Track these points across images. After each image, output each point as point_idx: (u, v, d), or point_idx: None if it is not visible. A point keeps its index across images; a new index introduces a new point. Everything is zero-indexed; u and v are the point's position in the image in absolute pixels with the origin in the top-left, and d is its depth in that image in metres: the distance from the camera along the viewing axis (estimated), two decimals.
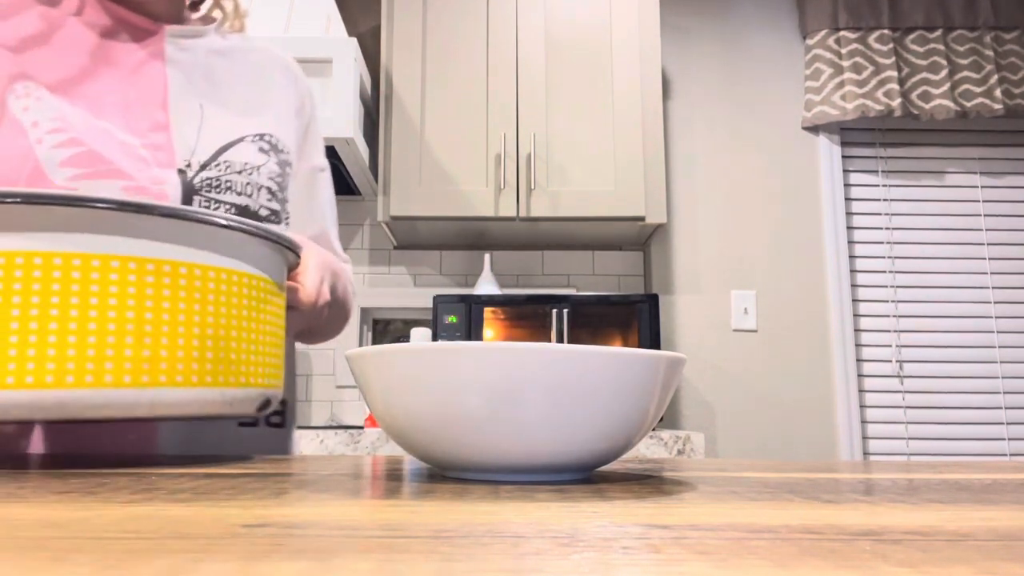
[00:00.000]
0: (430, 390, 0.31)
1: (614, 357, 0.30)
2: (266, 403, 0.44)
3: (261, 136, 0.70)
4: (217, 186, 0.64)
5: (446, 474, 0.35)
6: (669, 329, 2.24)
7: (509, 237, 2.20)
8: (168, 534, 0.18)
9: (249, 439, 0.67)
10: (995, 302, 2.27)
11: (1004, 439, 2.20)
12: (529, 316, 1.91)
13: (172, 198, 0.61)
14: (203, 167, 0.64)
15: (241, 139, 0.67)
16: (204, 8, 0.77)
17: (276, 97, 0.74)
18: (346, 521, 0.21)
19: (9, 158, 0.56)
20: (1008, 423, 2.21)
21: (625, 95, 2.02)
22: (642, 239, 2.23)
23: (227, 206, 0.64)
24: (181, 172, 0.62)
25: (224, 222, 0.41)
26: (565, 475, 0.34)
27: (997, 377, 2.23)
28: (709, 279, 2.27)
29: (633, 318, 1.90)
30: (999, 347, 2.25)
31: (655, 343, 1.89)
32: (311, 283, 0.57)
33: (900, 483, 0.35)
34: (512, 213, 1.96)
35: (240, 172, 0.65)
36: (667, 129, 2.35)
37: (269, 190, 0.68)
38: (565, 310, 1.90)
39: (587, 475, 0.36)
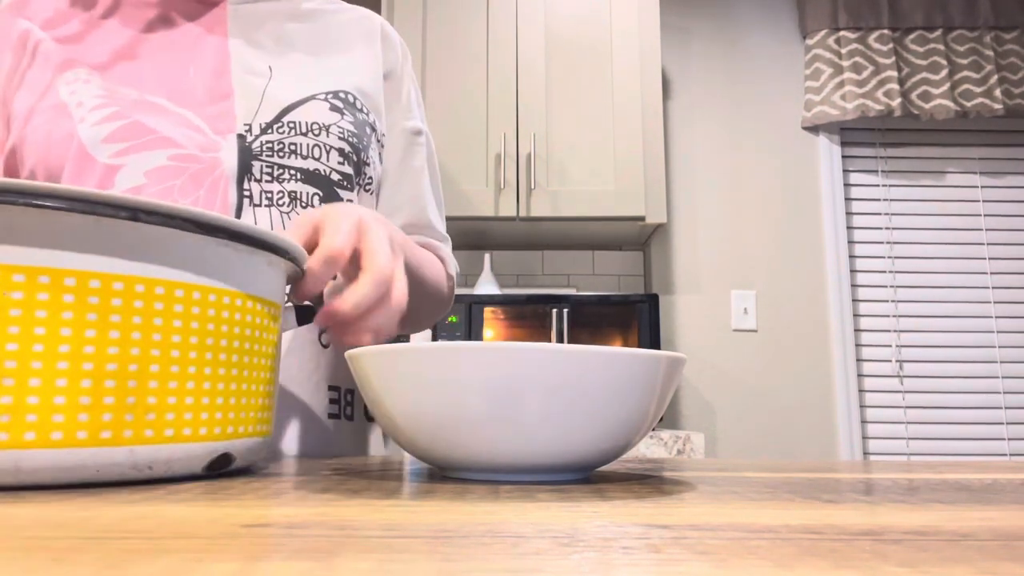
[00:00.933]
0: (430, 390, 0.31)
1: (614, 357, 0.30)
2: (222, 460, 0.33)
3: (335, 93, 0.64)
4: (280, 150, 0.59)
5: (446, 474, 0.35)
6: (669, 329, 2.24)
7: (509, 237, 2.20)
8: (168, 534, 0.18)
9: (336, 433, 0.63)
10: (995, 302, 2.27)
11: (1004, 439, 2.20)
12: (529, 316, 1.91)
13: (226, 165, 0.57)
14: (264, 130, 0.59)
15: (312, 97, 0.62)
16: None
17: (360, 57, 0.69)
18: (346, 521, 0.21)
19: (56, 142, 0.55)
20: (1008, 423, 2.21)
21: (625, 95, 2.02)
22: (642, 239, 2.23)
23: (291, 171, 0.59)
24: (241, 137, 0.58)
25: (121, 201, 0.29)
26: (565, 475, 0.34)
27: (997, 377, 2.23)
28: (709, 279, 2.27)
29: (633, 318, 1.90)
30: (999, 347, 2.25)
31: (655, 343, 1.89)
32: (330, 248, 0.42)
33: (900, 483, 0.35)
34: (512, 213, 1.96)
35: (306, 133, 0.60)
36: (667, 129, 2.35)
37: (341, 152, 0.62)
38: (565, 310, 1.90)
39: (587, 475, 0.36)
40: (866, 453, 2.20)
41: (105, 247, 0.29)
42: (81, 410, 0.28)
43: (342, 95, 0.64)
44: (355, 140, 0.64)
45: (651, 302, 1.91)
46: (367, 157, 0.65)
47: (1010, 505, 0.26)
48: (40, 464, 0.27)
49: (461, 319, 1.91)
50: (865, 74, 2.27)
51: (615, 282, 2.29)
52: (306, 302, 0.45)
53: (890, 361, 2.24)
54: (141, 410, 0.30)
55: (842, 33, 2.31)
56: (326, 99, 0.63)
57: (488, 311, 1.92)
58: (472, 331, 1.91)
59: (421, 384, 0.31)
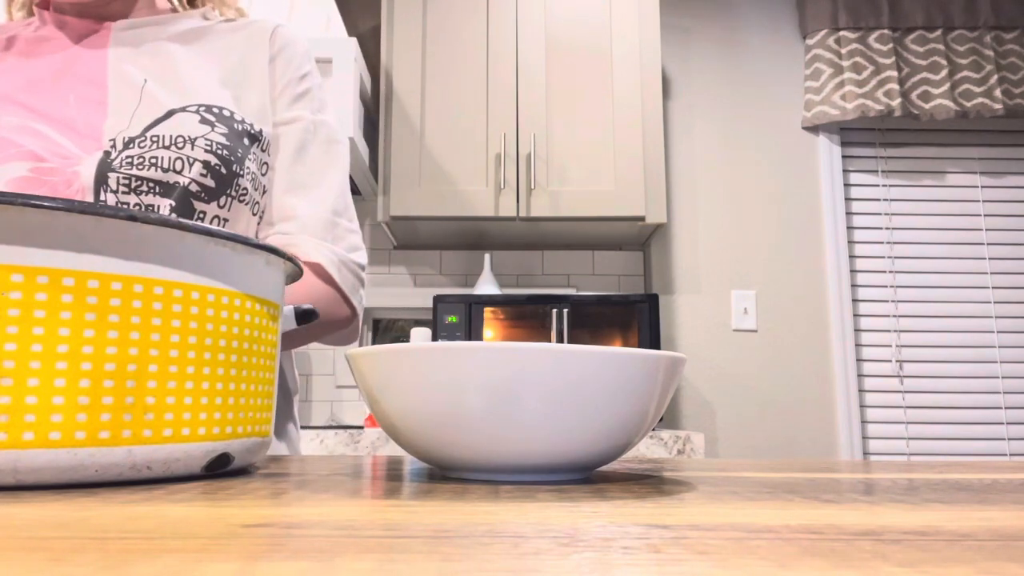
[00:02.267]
0: (430, 390, 0.31)
1: (614, 357, 0.30)
2: (221, 460, 0.33)
3: (208, 107, 0.64)
4: (140, 163, 0.60)
5: (446, 474, 0.35)
6: (669, 329, 2.24)
7: (509, 237, 2.20)
8: (168, 534, 0.18)
9: None
10: (995, 302, 2.27)
11: (1004, 439, 2.20)
12: (529, 316, 1.91)
13: (84, 177, 0.58)
14: (128, 144, 0.60)
15: (182, 109, 0.63)
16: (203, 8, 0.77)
17: (244, 68, 0.70)
18: (346, 521, 0.21)
19: None
20: (1008, 423, 2.21)
21: (625, 95, 2.02)
22: (642, 239, 2.23)
23: (148, 183, 0.60)
24: (107, 152, 0.60)
25: (132, 213, 0.30)
26: (565, 475, 0.34)
27: (997, 377, 2.23)
28: (709, 279, 2.27)
29: (633, 318, 1.90)
30: (999, 347, 2.25)
31: (655, 343, 1.89)
32: None
33: (900, 483, 0.35)
34: (512, 213, 1.96)
35: (169, 147, 0.61)
36: (667, 129, 2.35)
37: (206, 164, 0.62)
38: (565, 310, 1.90)
39: (587, 475, 0.36)
40: (866, 453, 2.20)
41: (104, 247, 0.29)
42: (80, 410, 0.28)
43: (215, 109, 0.65)
44: (225, 152, 0.64)
45: (651, 302, 1.91)
46: (240, 168, 0.65)
47: (1010, 505, 0.26)
48: (38, 464, 0.27)
49: (461, 319, 1.91)
50: (865, 74, 2.27)
51: (615, 282, 2.29)
52: (306, 305, 0.45)
53: (890, 361, 2.24)
54: (140, 410, 0.30)
55: (842, 33, 2.31)
56: (197, 111, 0.64)
57: (488, 311, 1.92)
58: (472, 331, 1.91)
59: (421, 384, 0.31)
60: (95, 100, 0.63)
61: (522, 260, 2.29)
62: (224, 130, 0.64)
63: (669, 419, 2.20)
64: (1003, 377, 2.23)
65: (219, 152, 0.63)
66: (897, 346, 2.25)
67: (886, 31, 2.30)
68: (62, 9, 0.68)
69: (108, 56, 0.66)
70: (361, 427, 1.96)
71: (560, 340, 1.90)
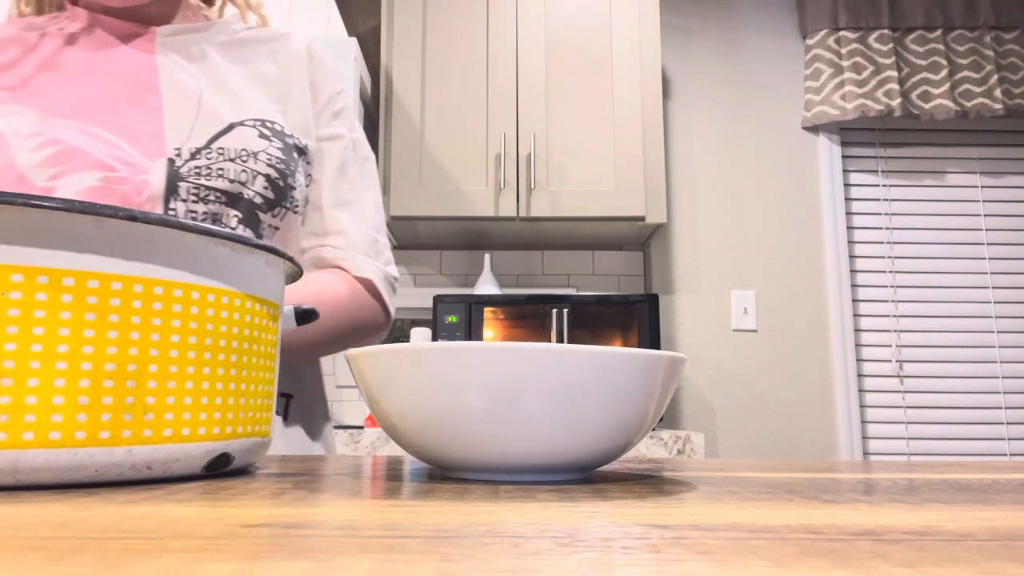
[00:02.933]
0: (430, 390, 0.31)
1: (614, 357, 0.30)
2: (221, 460, 0.33)
3: (263, 122, 0.67)
4: (208, 173, 0.62)
5: (446, 474, 0.35)
6: (669, 329, 2.24)
7: (509, 237, 2.20)
8: (168, 534, 0.18)
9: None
10: (995, 302, 2.27)
11: (1004, 439, 2.20)
12: (529, 316, 1.91)
13: (154, 186, 0.60)
14: (194, 155, 0.62)
15: (240, 123, 0.66)
16: (216, 5, 0.78)
17: (288, 83, 0.72)
18: (346, 521, 0.21)
19: None
20: (1008, 423, 2.21)
21: (625, 95, 2.02)
22: (642, 239, 2.23)
23: (216, 193, 0.62)
24: (171, 161, 0.61)
25: (124, 212, 0.29)
26: (565, 475, 0.34)
27: (997, 377, 2.23)
28: (709, 279, 2.27)
29: (633, 318, 1.90)
30: (999, 347, 2.25)
31: (655, 343, 1.89)
32: None
33: (900, 483, 0.35)
34: (512, 213, 1.96)
35: (235, 159, 0.63)
36: (667, 129, 2.35)
37: (267, 177, 0.65)
38: (565, 310, 1.90)
39: (587, 475, 0.36)
40: (866, 453, 2.20)
41: (104, 247, 0.29)
42: (80, 410, 0.28)
43: (269, 124, 0.68)
44: (282, 166, 0.66)
45: (651, 302, 1.91)
46: (293, 181, 0.68)
47: (1010, 505, 0.26)
48: (38, 464, 0.27)
49: (461, 319, 1.91)
50: (865, 74, 2.27)
51: (615, 282, 2.29)
52: (306, 305, 0.45)
53: (890, 361, 2.24)
54: (139, 410, 0.29)
55: (842, 33, 2.31)
56: (254, 126, 0.66)
57: (488, 311, 1.92)
58: (472, 331, 1.91)
59: (421, 384, 0.31)
60: (150, 106, 0.64)
61: (522, 260, 2.29)
62: (280, 145, 0.67)
63: (669, 419, 2.20)
64: (1003, 377, 2.23)
65: (278, 166, 0.66)
66: (897, 346, 2.25)
67: (886, 31, 2.30)
68: (98, 8, 0.68)
69: (158, 62, 0.67)
70: (361, 427, 1.96)
71: (560, 340, 1.90)
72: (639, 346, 1.90)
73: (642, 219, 1.97)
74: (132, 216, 0.29)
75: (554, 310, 1.90)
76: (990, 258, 2.30)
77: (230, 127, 0.65)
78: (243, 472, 0.37)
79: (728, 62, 2.38)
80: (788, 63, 2.38)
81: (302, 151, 0.70)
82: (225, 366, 0.33)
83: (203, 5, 0.77)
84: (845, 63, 2.28)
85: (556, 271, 2.29)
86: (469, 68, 2.04)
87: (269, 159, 0.65)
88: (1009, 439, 2.20)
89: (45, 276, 0.28)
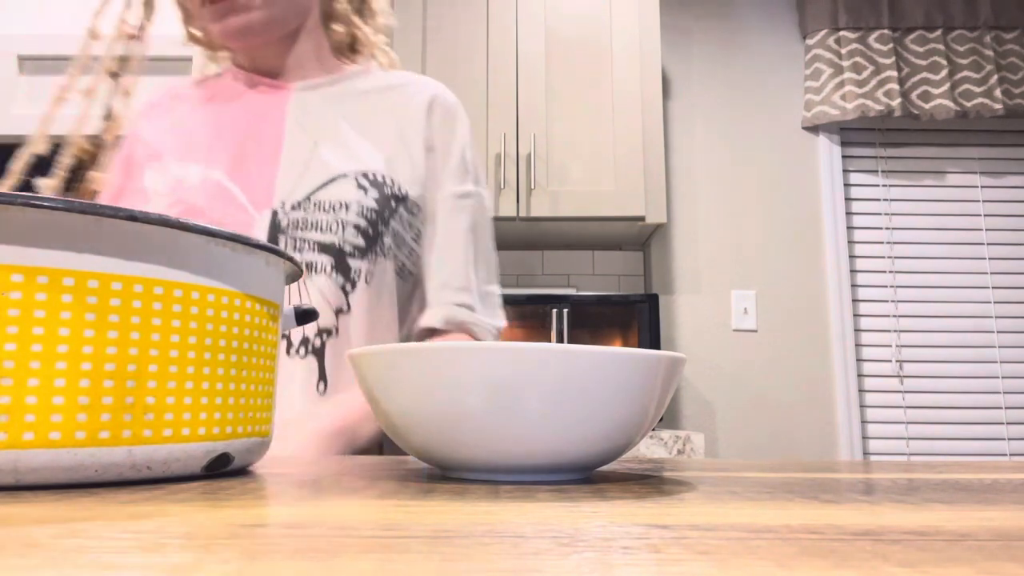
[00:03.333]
0: (430, 390, 0.31)
1: (614, 357, 0.30)
2: (221, 460, 0.33)
3: (364, 173, 0.72)
4: (304, 225, 0.68)
5: (446, 474, 0.35)
6: (669, 329, 2.24)
7: (509, 237, 2.20)
8: (168, 534, 0.18)
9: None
10: (995, 302, 2.27)
11: (1004, 439, 2.20)
12: (529, 316, 1.91)
13: (257, 237, 0.66)
14: (295, 207, 0.69)
15: (342, 175, 0.71)
16: (360, 57, 0.84)
17: (402, 132, 0.76)
18: (346, 521, 0.21)
19: None
20: (1008, 423, 2.21)
21: (625, 95, 2.02)
22: (642, 239, 2.23)
23: (311, 243, 0.68)
24: (275, 212, 0.68)
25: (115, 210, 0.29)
26: (565, 475, 0.34)
27: (997, 377, 2.23)
28: (709, 279, 2.27)
29: (633, 318, 1.90)
30: (999, 347, 2.25)
31: (655, 343, 1.89)
32: None
33: (900, 483, 0.35)
34: (512, 213, 1.96)
35: (328, 211, 0.69)
36: (667, 129, 2.35)
37: (357, 227, 0.70)
38: (565, 310, 1.90)
39: (587, 475, 0.36)
40: (866, 453, 2.20)
41: (104, 247, 0.29)
42: (80, 410, 0.28)
43: (370, 176, 0.72)
44: (374, 216, 0.71)
45: (651, 302, 1.91)
46: (385, 228, 0.72)
47: (1010, 505, 0.26)
48: (38, 464, 0.27)
49: None
50: (865, 74, 2.27)
51: (615, 282, 2.29)
52: (307, 305, 0.45)
53: (890, 361, 2.24)
54: (139, 410, 0.29)
55: (842, 33, 2.31)
56: (355, 178, 0.71)
57: None
58: None
59: (421, 384, 0.31)
60: (270, 158, 0.72)
61: (522, 260, 2.29)
62: (376, 195, 0.71)
63: (669, 419, 2.20)
64: (1003, 377, 2.23)
65: (369, 216, 0.71)
66: (897, 346, 2.25)
67: (886, 31, 2.30)
68: (250, 68, 0.78)
69: (287, 116, 0.75)
70: None
71: (560, 340, 1.90)
72: (639, 346, 1.90)
73: (642, 219, 1.97)
74: (132, 216, 0.29)
75: (554, 310, 1.90)
76: (990, 258, 2.30)
77: (332, 179, 0.70)
78: (243, 472, 0.37)
79: (728, 62, 2.38)
80: (788, 63, 2.38)
81: (401, 199, 0.73)
82: (225, 366, 0.33)
83: (342, 59, 0.84)
84: (845, 63, 2.28)
85: (556, 271, 2.29)
86: (469, 68, 2.04)
87: (361, 209, 0.70)
88: (1009, 439, 2.20)
89: (45, 276, 0.28)
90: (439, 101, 0.79)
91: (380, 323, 0.73)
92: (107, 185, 0.77)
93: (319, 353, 0.68)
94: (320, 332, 0.70)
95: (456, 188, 0.78)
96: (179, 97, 0.79)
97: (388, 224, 0.72)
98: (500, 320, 0.79)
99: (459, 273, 0.76)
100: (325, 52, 0.80)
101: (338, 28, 0.81)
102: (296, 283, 0.67)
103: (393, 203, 0.73)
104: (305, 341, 0.68)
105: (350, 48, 0.84)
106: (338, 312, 0.70)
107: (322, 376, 0.68)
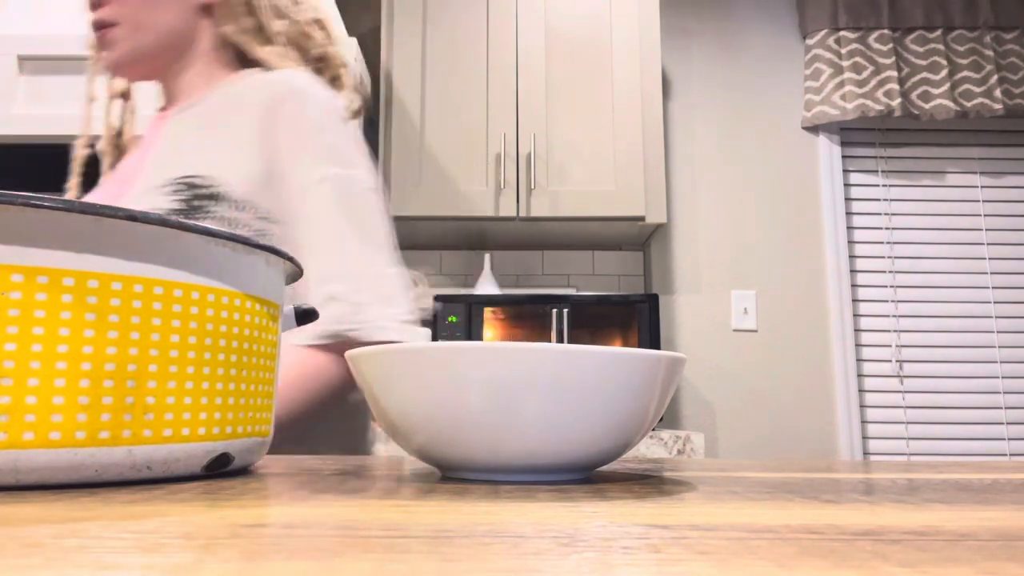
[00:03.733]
0: (430, 390, 0.31)
1: (614, 357, 0.30)
2: (221, 460, 0.33)
3: (177, 179, 0.70)
4: None
5: (446, 474, 0.35)
6: (669, 329, 2.24)
7: (509, 237, 2.20)
8: (168, 534, 0.18)
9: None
10: (995, 302, 2.27)
11: (1004, 439, 2.20)
12: (529, 316, 1.91)
13: None
14: None
15: (155, 187, 0.70)
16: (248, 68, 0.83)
17: (237, 132, 0.73)
18: (346, 521, 0.21)
19: None
20: (1008, 423, 2.21)
21: (625, 95, 2.02)
22: (642, 239, 2.23)
23: None
24: None
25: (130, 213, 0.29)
26: (565, 475, 0.34)
27: (997, 377, 2.23)
28: (709, 279, 2.27)
29: (633, 318, 1.90)
30: (999, 347, 2.25)
31: (655, 343, 1.89)
32: None
33: (900, 483, 0.35)
34: (512, 213, 1.96)
35: None
36: (667, 129, 2.35)
37: None
38: (565, 310, 1.90)
39: (587, 475, 0.36)
40: (866, 453, 2.20)
41: (104, 247, 0.29)
42: (79, 410, 0.28)
43: (184, 181, 0.70)
44: (178, 214, 0.68)
45: (651, 302, 1.91)
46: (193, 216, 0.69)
47: (1010, 505, 0.26)
48: (39, 464, 0.27)
49: (461, 319, 1.91)
50: (865, 74, 2.27)
51: (615, 282, 2.29)
52: (307, 304, 0.45)
53: (890, 361, 2.24)
54: (139, 410, 0.29)
55: (842, 33, 2.31)
56: (164, 186, 0.70)
57: (488, 311, 1.92)
58: (472, 331, 1.91)
59: (421, 384, 0.31)
60: (131, 185, 0.74)
61: (522, 260, 2.29)
62: (183, 196, 0.69)
63: (669, 419, 2.20)
64: (1003, 377, 2.23)
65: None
66: (897, 346, 2.25)
67: (886, 31, 2.29)
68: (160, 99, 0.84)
69: (154, 149, 0.76)
70: None
71: (560, 340, 1.90)
72: (639, 346, 1.90)
73: (642, 219, 1.97)
74: (132, 216, 0.29)
75: (554, 310, 1.90)
76: (990, 258, 2.30)
77: (145, 193, 0.71)
78: (243, 472, 0.37)
79: (728, 62, 2.38)
80: (788, 63, 2.38)
81: (213, 197, 0.69)
82: (225, 366, 0.33)
83: (233, 71, 0.83)
84: (845, 63, 2.28)
85: (556, 271, 2.29)
86: (469, 68, 2.04)
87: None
88: (1009, 439, 2.20)
89: (45, 276, 0.28)
90: (288, 93, 0.73)
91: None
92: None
93: None
94: None
95: (310, 175, 0.71)
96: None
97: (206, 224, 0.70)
98: (401, 307, 0.69)
99: (326, 261, 0.68)
100: (222, 72, 0.80)
101: (236, 46, 0.81)
102: None
103: (197, 202, 0.68)
104: None
105: (257, 64, 0.82)
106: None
107: None
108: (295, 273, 0.41)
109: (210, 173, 0.70)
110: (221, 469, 0.34)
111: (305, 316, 0.45)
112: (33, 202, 0.27)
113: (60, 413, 0.28)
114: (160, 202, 0.69)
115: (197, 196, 0.69)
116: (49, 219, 0.28)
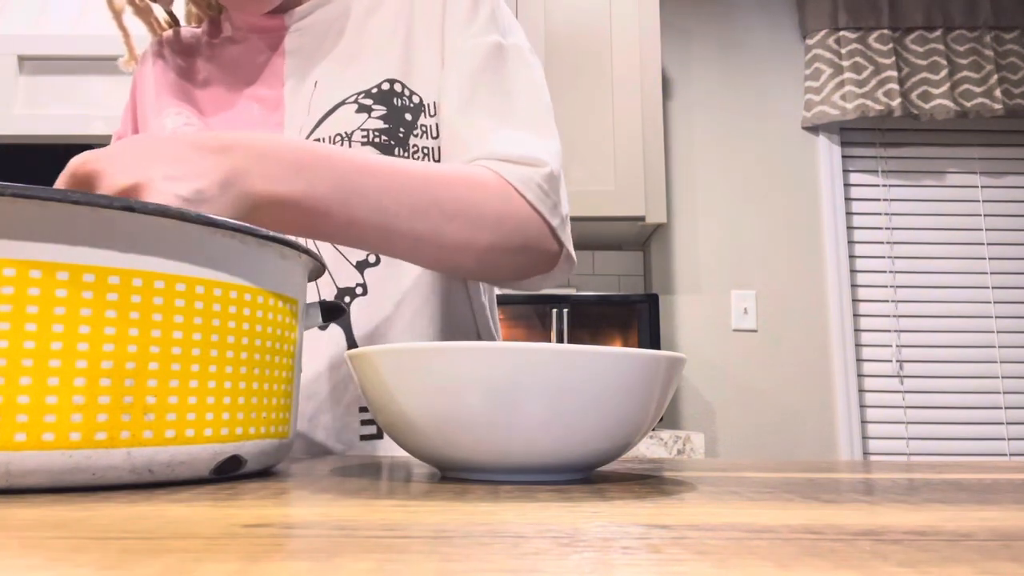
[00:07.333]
0: (430, 390, 0.31)
1: (614, 357, 0.30)
2: (231, 463, 0.31)
3: (367, 92, 0.62)
4: None
5: (446, 474, 0.35)
6: (669, 329, 2.24)
7: None
8: (168, 534, 0.18)
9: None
10: (995, 302, 2.27)
11: (1004, 439, 2.20)
12: (529, 316, 1.91)
13: None
14: None
15: (342, 103, 0.62)
16: None
17: (411, 31, 0.65)
18: (346, 521, 0.21)
19: None
20: (1008, 423, 2.21)
21: (625, 95, 2.02)
22: (642, 239, 2.23)
23: None
24: None
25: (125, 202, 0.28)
26: (565, 475, 0.34)
27: (997, 377, 2.23)
28: (709, 279, 2.27)
29: (633, 318, 1.90)
30: (999, 347, 2.25)
31: (655, 343, 1.89)
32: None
33: (900, 483, 0.34)
34: None
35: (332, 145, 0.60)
36: (667, 129, 2.35)
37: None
38: (565, 310, 1.90)
39: (587, 475, 0.36)
40: (866, 453, 2.20)
41: (100, 239, 0.28)
42: (75, 410, 0.27)
43: (374, 91, 0.63)
44: (384, 137, 0.61)
45: (651, 302, 1.91)
46: (404, 149, 0.62)
47: (1010, 505, 0.26)
48: (31, 467, 0.26)
49: None
50: (865, 74, 2.27)
51: (615, 282, 2.29)
52: (333, 300, 0.43)
53: (890, 361, 2.24)
54: (139, 410, 0.28)
55: (842, 33, 2.31)
56: (356, 100, 0.63)
57: None
58: None
59: (421, 384, 0.31)
60: (273, 104, 0.66)
61: None
62: (383, 112, 0.61)
63: (669, 419, 2.20)
64: (1003, 377, 2.23)
65: (378, 140, 0.60)
66: (897, 346, 2.25)
67: (886, 31, 2.29)
68: (240, 21, 0.71)
69: (285, 67, 0.68)
70: None
71: (560, 340, 1.90)
72: (639, 346, 1.90)
73: (642, 219, 1.97)
74: (130, 207, 0.28)
75: (554, 310, 1.90)
76: (990, 258, 2.30)
77: (328, 113, 0.63)
78: (243, 472, 0.37)
79: (728, 62, 2.38)
80: (788, 63, 2.38)
81: (419, 109, 0.63)
82: (234, 364, 0.31)
83: None
84: (845, 63, 2.28)
85: None
86: None
87: (365, 135, 0.60)
88: (1009, 439, 2.20)
89: (38, 270, 0.27)
90: None
91: (416, 268, 0.61)
92: (116, 138, 0.72)
93: (344, 319, 0.59)
94: (341, 294, 0.60)
95: (462, 41, 0.63)
96: (176, 45, 0.73)
97: (407, 143, 0.62)
98: (546, 165, 0.58)
99: (457, 132, 0.61)
100: None
101: None
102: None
103: (408, 116, 0.62)
104: None
105: None
106: (362, 266, 0.60)
107: (352, 347, 0.59)
108: (317, 269, 0.39)
109: (401, 81, 0.63)
110: (232, 472, 0.32)
111: (332, 312, 0.42)
112: (25, 193, 0.26)
113: (54, 413, 0.26)
114: (354, 120, 0.60)
115: (402, 110, 0.61)
116: (42, 210, 0.27)
